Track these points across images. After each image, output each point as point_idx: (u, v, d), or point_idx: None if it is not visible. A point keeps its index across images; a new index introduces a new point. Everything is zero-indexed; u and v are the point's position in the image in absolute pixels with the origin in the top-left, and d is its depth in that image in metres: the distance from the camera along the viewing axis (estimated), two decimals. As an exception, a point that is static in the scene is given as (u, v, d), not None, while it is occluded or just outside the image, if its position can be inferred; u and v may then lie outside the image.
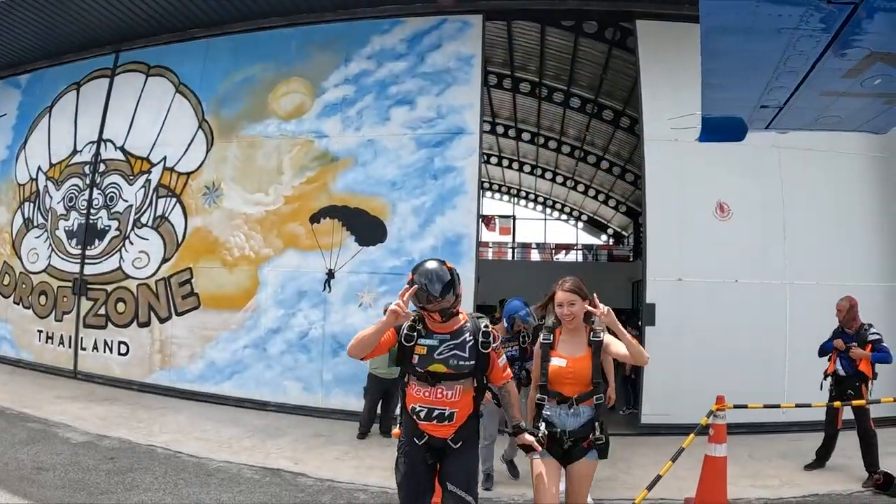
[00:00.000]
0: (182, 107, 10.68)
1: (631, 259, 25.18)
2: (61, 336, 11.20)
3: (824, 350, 6.62)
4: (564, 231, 32.63)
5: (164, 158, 10.67)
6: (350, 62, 9.85)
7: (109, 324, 10.73)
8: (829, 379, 6.54)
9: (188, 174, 10.47)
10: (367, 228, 9.43)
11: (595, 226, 31.74)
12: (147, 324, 10.43)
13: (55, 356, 11.17)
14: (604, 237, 32.16)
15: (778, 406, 6.09)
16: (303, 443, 7.56)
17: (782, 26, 2.82)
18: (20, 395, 9.04)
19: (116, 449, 6.68)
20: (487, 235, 29.49)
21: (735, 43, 3.05)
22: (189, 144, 10.52)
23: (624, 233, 29.92)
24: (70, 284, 11.21)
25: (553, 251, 29.47)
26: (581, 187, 27.28)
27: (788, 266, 8.72)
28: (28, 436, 6.90)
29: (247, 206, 10.06)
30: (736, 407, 5.47)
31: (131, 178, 10.92)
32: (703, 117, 4.31)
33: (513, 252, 29.51)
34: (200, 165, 10.41)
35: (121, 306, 10.65)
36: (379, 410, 8.17)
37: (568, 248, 29.77)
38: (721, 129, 4.43)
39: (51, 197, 11.80)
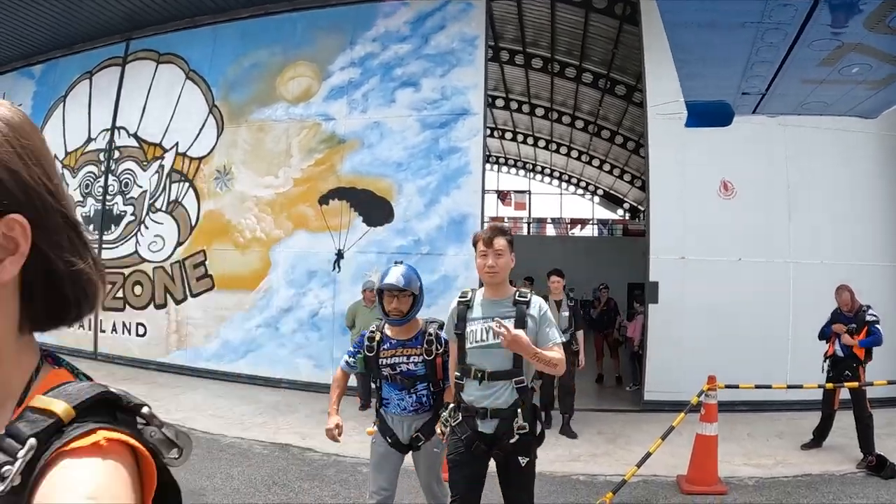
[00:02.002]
0: (192, 93, 10.85)
1: (646, 234, 25.04)
2: (81, 319, 11.49)
3: (823, 334, 6.65)
4: (580, 205, 32.49)
5: (177, 144, 10.87)
6: (355, 45, 9.92)
7: (127, 306, 11.03)
8: (828, 361, 6.59)
9: (200, 159, 10.67)
10: (374, 209, 9.57)
11: (611, 200, 31.57)
12: (163, 305, 10.71)
13: (76, 339, 11.45)
14: (620, 211, 32.00)
15: (769, 387, 6.13)
16: (312, 418, 7.76)
17: (746, 21, 2.87)
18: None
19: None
20: (503, 210, 29.46)
21: (701, 36, 3.11)
22: (200, 130, 10.70)
23: (640, 207, 29.74)
24: (89, 270, 11.43)
25: (568, 226, 29.38)
26: (596, 162, 27.10)
27: (793, 245, 8.70)
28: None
29: (257, 189, 10.24)
30: (727, 387, 5.55)
31: (145, 164, 11.14)
32: (687, 103, 4.36)
33: (528, 227, 29.48)
34: (212, 150, 10.60)
35: (138, 289, 10.93)
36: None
37: (583, 222, 29.66)
38: (707, 114, 4.47)
39: (67, 184, 11.90)
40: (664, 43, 8.75)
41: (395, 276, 3.63)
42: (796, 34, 2.96)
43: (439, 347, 3.65)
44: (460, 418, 3.33)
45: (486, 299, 3.39)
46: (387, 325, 3.76)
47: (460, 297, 3.46)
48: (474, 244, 3.41)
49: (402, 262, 3.80)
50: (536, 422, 3.32)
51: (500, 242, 3.29)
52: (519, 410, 3.21)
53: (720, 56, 3.25)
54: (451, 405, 3.39)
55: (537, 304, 3.31)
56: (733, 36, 2.97)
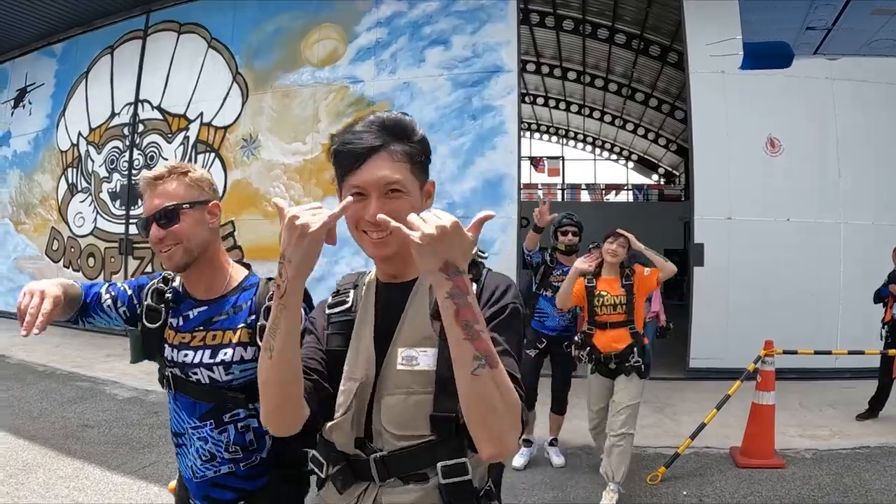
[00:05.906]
0: (215, 62, 10.67)
1: (682, 199, 24.56)
2: (111, 296, 11.53)
3: (879, 296, 6.29)
4: (615, 171, 31.91)
5: (201, 114, 10.73)
6: (381, 4, 9.59)
7: (157, 280, 10.96)
8: (885, 327, 6.23)
9: (225, 128, 10.51)
10: (405, 172, 9.29)
11: (646, 165, 30.95)
12: (193, 278, 10.60)
13: (106, 317, 11.51)
14: (654, 177, 31.38)
15: (829, 353, 5.80)
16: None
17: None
18: (71, 356, 9.28)
19: (161, 403, 6.77)
20: (536, 177, 29.11)
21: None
22: (224, 99, 10.52)
23: (675, 172, 29.12)
24: (116, 245, 11.49)
25: (603, 191, 28.91)
26: (630, 126, 26.52)
27: (843, 204, 8.22)
28: (76, 394, 7.08)
29: (285, 157, 10.04)
30: (785, 353, 5.19)
31: (170, 136, 11.04)
32: (744, 43, 3.99)
33: (562, 193, 29.05)
34: (237, 119, 10.42)
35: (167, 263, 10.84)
36: None
37: (618, 188, 29.14)
38: (765, 55, 4.10)
39: (93, 161, 12.07)
40: (705, -6, 8.19)
41: None
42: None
43: None
44: None
45: None
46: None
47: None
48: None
49: None
50: None
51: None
52: None
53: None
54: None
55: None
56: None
